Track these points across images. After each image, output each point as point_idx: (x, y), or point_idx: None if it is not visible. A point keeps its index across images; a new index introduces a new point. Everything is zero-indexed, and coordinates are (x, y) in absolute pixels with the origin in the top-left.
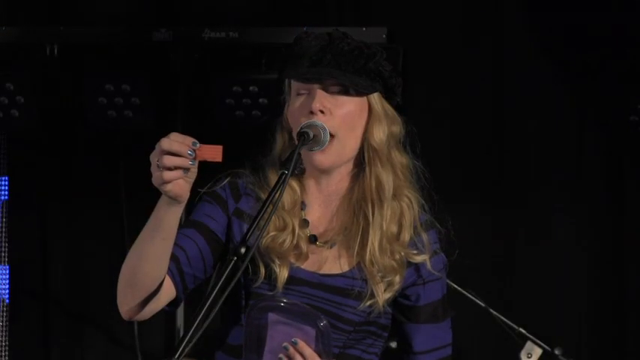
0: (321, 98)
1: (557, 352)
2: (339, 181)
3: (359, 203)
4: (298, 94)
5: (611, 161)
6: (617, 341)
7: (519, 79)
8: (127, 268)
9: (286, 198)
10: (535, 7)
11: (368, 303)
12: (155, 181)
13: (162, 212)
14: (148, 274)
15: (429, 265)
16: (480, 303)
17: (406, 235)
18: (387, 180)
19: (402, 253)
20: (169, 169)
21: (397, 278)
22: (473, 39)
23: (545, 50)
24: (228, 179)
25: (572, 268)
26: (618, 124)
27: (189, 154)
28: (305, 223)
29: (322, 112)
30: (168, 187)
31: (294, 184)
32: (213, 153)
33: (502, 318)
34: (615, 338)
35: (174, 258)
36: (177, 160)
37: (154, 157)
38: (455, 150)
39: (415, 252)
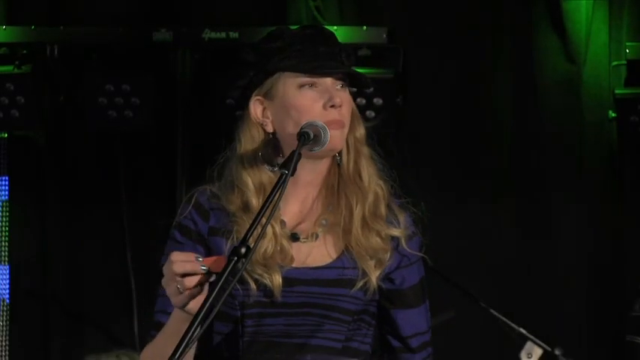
0: (339, 92)
1: (557, 352)
2: (317, 175)
3: (338, 192)
4: (302, 88)
5: (611, 162)
6: (617, 341)
7: (519, 78)
8: None
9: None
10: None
11: (361, 282)
12: (178, 304)
13: (182, 324)
14: None
15: (404, 243)
16: (480, 303)
17: (382, 209)
18: (368, 169)
19: (383, 227)
20: (190, 288)
21: (384, 255)
22: (473, 39)
23: (545, 47)
24: (192, 202)
25: (572, 268)
26: (616, 124)
27: (203, 269)
28: (282, 223)
29: (340, 106)
30: (191, 305)
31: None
32: (216, 265)
33: (502, 318)
34: (615, 338)
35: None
36: (198, 279)
37: (169, 283)
38: (455, 149)
39: (392, 227)
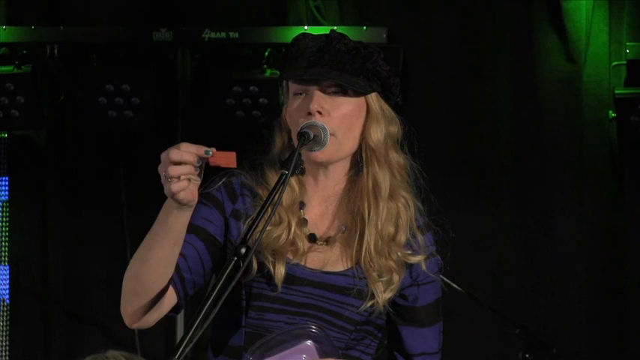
0: (319, 99)
1: (556, 351)
2: (337, 183)
3: (356, 203)
4: (296, 95)
5: (611, 162)
6: (617, 341)
7: (519, 78)
8: (133, 275)
9: (285, 196)
10: (533, 5)
11: (369, 303)
12: (166, 191)
13: (173, 218)
14: (156, 280)
15: (424, 266)
16: (480, 303)
17: (402, 236)
18: (384, 180)
19: (399, 254)
20: (178, 178)
21: (395, 278)
22: (472, 39)
23: (545, 47)
24: (223, 180)
25: (572, 267)
26: (616, 124)
27: (207, 155)
28: (304, 222)
29: (320, 113)
30: (181, 195)
31: (294, 183)
32: (228, 159)
33: (502, 318)
34: (615, 338)
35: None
36: (183, 169)
37: (162, 169)
38: (455, 149)
39: (410, 253)
